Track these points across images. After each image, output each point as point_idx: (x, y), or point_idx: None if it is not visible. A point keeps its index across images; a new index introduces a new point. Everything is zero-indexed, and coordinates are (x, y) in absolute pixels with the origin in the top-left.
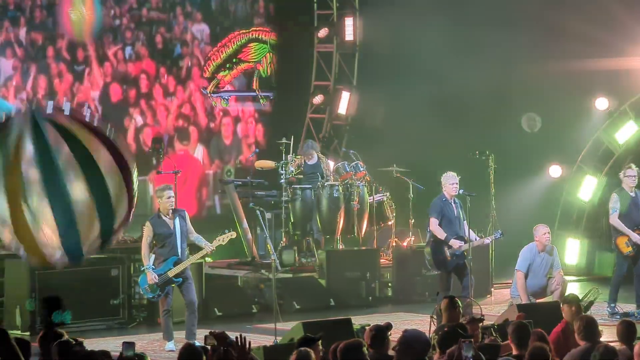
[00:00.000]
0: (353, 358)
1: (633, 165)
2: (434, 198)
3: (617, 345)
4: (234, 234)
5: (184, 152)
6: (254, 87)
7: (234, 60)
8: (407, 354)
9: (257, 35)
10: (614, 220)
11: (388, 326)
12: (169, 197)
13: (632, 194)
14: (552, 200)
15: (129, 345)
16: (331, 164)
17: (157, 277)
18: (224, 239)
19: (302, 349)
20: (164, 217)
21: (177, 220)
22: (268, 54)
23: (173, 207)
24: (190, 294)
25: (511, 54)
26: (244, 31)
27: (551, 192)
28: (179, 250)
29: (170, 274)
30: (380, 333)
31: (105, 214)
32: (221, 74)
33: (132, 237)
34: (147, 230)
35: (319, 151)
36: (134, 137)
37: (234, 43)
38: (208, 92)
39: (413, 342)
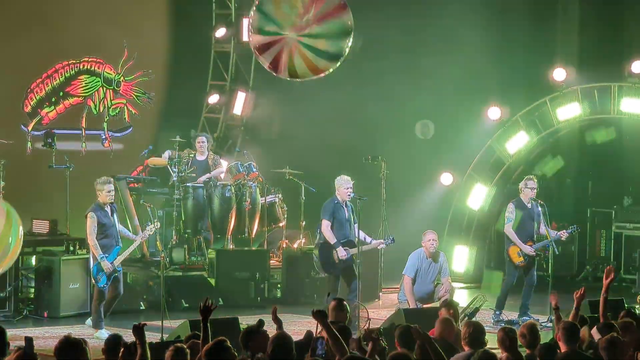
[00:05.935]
0: (217, 359)
1: (534, 177)
2: (326, 200)
3: (497, 352)
4: (158, 224)
5: None
6: (82, 125)
7: (60, 93)
8: (279, 353)
9: (89, 67)
10: (508, 230)
11: (260, 323)
12: (109, 191)
13: (529, 205)
14: (443, 208)
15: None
16: (225, 163)
17: (111, 265)
18: (151, 229)
19: (178, 344)
20: (105, 209)
21: (114, 212)
22: (100, 88)
23: (112, 201)
24: (121, 285)
25: (408, 62)
26: (74, 62)
27: (442, 200)
28: (119, 241)
29: (116, 263)
30: (251, 333)
31: None
32: (45, 109)
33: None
34: (93, 222)
35: (210, 148)
36: None
37: (61, 75)
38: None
39: (283, 342)
